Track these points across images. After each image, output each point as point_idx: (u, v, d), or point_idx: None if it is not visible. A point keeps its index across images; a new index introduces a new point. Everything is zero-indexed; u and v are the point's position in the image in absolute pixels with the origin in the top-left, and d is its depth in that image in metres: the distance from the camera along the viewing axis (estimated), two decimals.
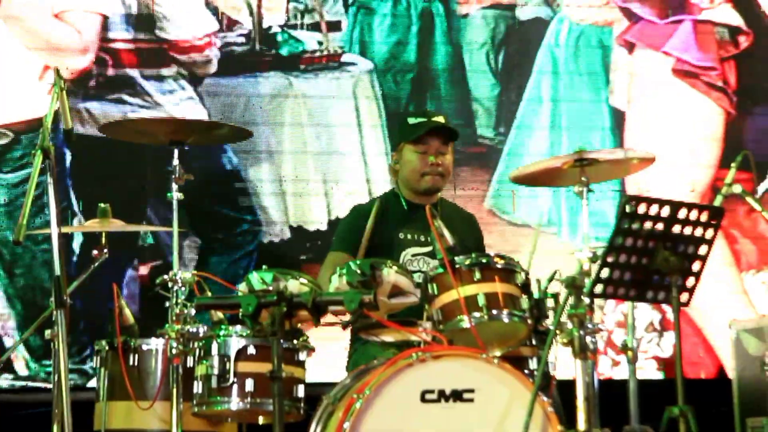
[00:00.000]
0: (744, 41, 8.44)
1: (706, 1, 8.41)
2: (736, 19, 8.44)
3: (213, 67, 7.88)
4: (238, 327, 5.06)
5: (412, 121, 5.98)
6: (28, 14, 7.66)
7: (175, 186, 5.34)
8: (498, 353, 5.09)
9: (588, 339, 4.76)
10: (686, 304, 4.85)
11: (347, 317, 4.86)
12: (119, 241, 6.82)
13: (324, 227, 7.88)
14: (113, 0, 7.81)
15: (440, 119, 5.99)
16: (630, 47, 8.35)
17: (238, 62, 7.93)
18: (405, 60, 8.12)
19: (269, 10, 8.00)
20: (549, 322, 5.14)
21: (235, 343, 5.03)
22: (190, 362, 5.14)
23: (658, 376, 8.01)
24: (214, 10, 7.94)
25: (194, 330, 5.11)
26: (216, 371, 5.01)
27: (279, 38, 8.01)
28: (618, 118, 8.26)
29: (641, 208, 4.70)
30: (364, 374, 5.05)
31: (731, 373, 6.95)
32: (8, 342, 7.35)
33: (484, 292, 5.07)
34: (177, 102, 7.81)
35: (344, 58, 8.08)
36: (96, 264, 5.81)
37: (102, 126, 5.61)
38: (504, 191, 8.06)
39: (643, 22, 8.37)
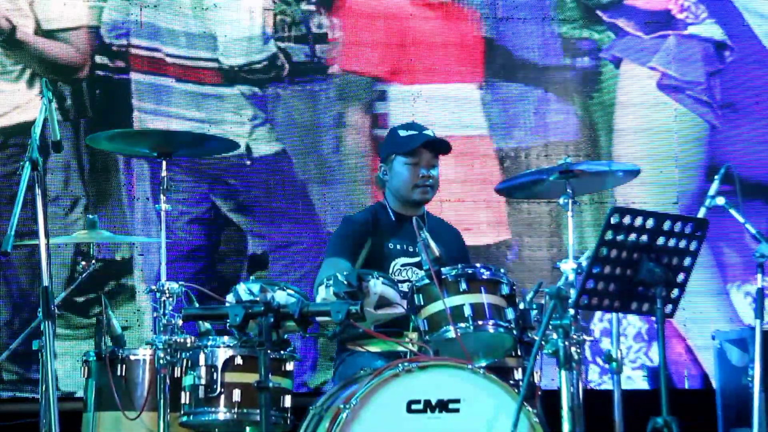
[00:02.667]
0: (729, 56, 8.47)
1: (691, 16, 8.45)
2: (721, 34, 8.48)
3: None
4: (226, 337, 5.09)
5: (403, 133, 6.01)
6: (20, 32, 7.69)
7: (162, 197, 5.37)
8: (484, 363, 5.12)
9: (573, 349, 4.79)
10: (671, 315, 4.87)
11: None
12: None
13: None
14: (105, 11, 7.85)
15: (430, 132, 6.03)
16: (616, 62, 8.38)
17: None
18: None
19: None
20: (534, 333, 5.17)
21: (223, 354, 5.05)
22: (177, 372, 5.16)
23: (643, 385, 8.03)
24: None
25: (181, 340, 5.13)
26: (203, 381, 5.03)
27: None
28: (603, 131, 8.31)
29: (626, 220, 4.73)
30: (351, 384, 5.07)
31: (715, 383, 6.98)
32: None
33: (470, 302, 5.10)
34: None
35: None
36: (84, 275, 5.82)
37: (89, 137, 5.62)
38: None
39: (629, 37, 8.41)
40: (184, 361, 5.12)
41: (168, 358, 5.14)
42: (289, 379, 5.15)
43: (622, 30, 8.41)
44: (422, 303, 5.16)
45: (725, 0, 8.53)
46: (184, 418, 5.10)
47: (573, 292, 4.85)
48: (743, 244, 8.16)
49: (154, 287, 5.26)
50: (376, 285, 5.09)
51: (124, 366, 5.34)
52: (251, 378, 4.69)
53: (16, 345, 6.07)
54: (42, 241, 4.68)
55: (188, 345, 5.12)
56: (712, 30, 8.49)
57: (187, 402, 5.08)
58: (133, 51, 7.90)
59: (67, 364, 7.32)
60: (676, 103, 8.38)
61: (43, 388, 5.22)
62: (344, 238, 5.91)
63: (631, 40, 8.40)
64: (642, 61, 8.40)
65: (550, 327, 4.67)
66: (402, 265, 5.89)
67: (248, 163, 7.91)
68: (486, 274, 5.18)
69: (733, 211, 5.50)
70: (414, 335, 5.26)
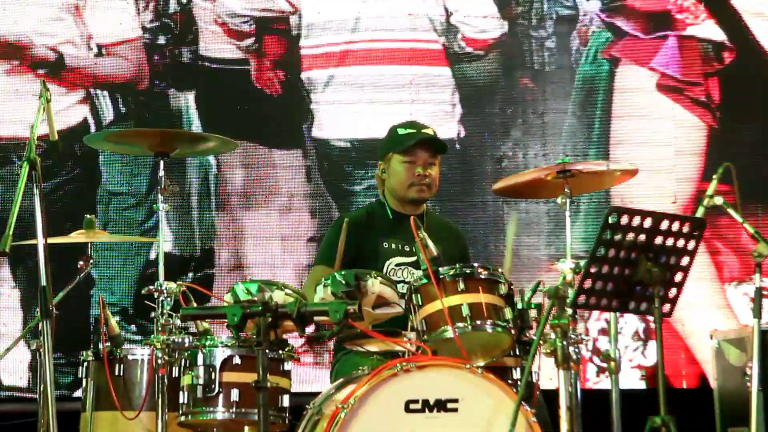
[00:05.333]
0: (728, 57, 8.48)
1: (690, 17, 8.45)
2: (720, 35, 8.49)
3: None
4: (224, 337, 5.09)
5: (401, 131, 6.02)
6: (71, 54, 7.73)
7: (160, 197, 5.37)
8: (482, 363, 5.12)
9: (571, 349, 4.80)
10: (668, 314, 4.87)
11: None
12: None
13: None
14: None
15: (429, 131, 6.03)
16: (615, 62, 8.39)
17: None
18: None
19: None
20: (532, 333, 5.17)
21: (221, 353, 5.05)
22: (175, 372, 5.16)
23: (641, 385, 8.03)
24: None
25: (180, 340, 5.13)
26: (201, 381, 5.03)
27: None
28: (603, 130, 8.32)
29: (624, 219, 4.73)
30: (349, 384, 5.07)
31: (713, 383, 6.98)
32: None
33: (468, 302, 5.10)
34: None
35: None
36: (81, 275, 5.81)
37: (87, 137, 5.62)
38: None
39: (628, 37, 8.42)
40: (183, 360, 5.12)
41: (166, 357, 5.14)
42: (288, 378, 5.16)
43: (621, 30, 8.41)
44: (420, 303, 5.16)
45: (725, 1, 8.53)
46: (183, 418, 5.10)
47: (571, 292, 4.84)
48: (739, 244, 8.16)
49: (151, 287, 5.26)
50: (374, 284, 5.10)
51: (122, 366, 5.35)
52: (249, 378, 4.68)
53: (13, 345, 6.07)
54: (40, 240, 4.68)
55: (186, 345, 5.12)
56: (711, 31, 8.49)
57: (186, 402, 5.08)
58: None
59: None
60: (674, 104, 8.38)
61: (41, 388, 5.22)
62: (332, 245, 5.91)
63: (630, 40, 8.41)
64: (641, 62, 8.40)
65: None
66: (396, 265, 5.89)
67: None
68: (484, 274, 5.17)
69: (731, 211, 5.50)
70: (412, 335, 5.26)
